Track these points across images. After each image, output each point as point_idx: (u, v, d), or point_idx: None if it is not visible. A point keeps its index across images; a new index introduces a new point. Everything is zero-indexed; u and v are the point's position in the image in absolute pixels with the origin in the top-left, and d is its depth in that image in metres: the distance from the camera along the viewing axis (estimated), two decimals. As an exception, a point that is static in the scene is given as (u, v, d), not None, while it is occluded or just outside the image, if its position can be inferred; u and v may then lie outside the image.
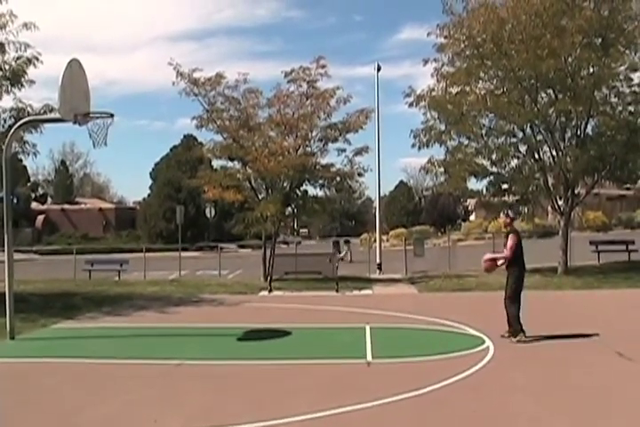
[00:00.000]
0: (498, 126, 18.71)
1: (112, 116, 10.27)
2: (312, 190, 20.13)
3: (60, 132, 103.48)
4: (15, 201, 37.82)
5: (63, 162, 72.49)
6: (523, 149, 18.78)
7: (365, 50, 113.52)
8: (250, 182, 19.49)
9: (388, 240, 38.85)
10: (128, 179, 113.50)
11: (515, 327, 9.01)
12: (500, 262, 9.32)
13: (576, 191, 18.96)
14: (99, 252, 33.72)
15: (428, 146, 18.90)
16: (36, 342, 10.11)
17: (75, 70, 10.10)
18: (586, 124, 18.09)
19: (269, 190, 19.35)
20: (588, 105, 16.99)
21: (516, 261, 9.17)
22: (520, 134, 18.63)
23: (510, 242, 9.15)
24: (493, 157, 18.52)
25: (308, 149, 19.33)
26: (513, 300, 9.11)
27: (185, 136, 48.01)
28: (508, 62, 16.85)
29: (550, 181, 18.69)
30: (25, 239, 43.75)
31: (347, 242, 30.43)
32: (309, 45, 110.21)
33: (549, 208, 21.12)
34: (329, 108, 19.01)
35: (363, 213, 72.74)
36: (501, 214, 9.80)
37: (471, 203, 51.40)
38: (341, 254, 26.94)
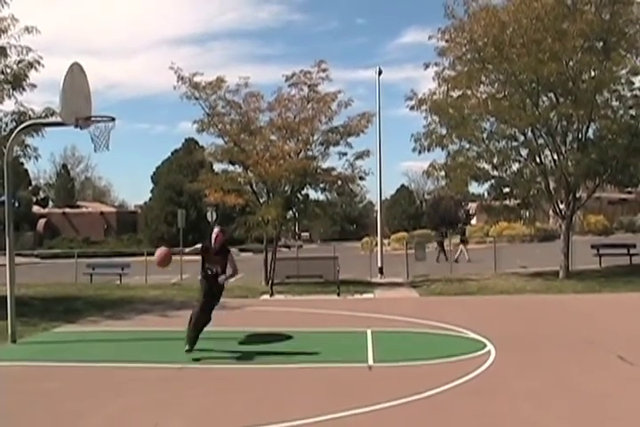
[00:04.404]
0: (499, 130, 18.70)
1: (113, 119, 10.29)
2: (313, 194, 20.17)
3: (62, 136, 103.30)
4: (16, 205, 37.85)
5: (64, 166, 72.36)
6: (524, 152, 18.76)
7: (368, 53, 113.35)
8: (251, 186, 19.46)
9: (389, 244, 38.80)
10: (129, 182, 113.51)
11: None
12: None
13: (577, 195, 18.93)
14: (100, 255, 33.68)
15: (429, 150, 18.87)
16: (38, 346, 10.10)
17: (76, 74, 10.13)
18: (587, 128, 18.09)
19: (270, 194, 19.31)
20: (590, 109, 16.98)
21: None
22: (521, 138, 18.63)
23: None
24: (495, 160, 18.51)
25: (310, 152, 19.29)
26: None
27: (186, 140, 47.94)
28: (509, 66, 16.86)
29: (551, 184, 18.67)
30: (26, 243, 43.62)
31: (463, 241, 28.20)
32: (311, 49, 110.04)
33: (551, 212, 21.11)
34: (330, 112, 18.97)
35: (364, 217, 72.51)
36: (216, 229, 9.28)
37: (472, 207, 51.38)
38: (456, 255, 26.27)
